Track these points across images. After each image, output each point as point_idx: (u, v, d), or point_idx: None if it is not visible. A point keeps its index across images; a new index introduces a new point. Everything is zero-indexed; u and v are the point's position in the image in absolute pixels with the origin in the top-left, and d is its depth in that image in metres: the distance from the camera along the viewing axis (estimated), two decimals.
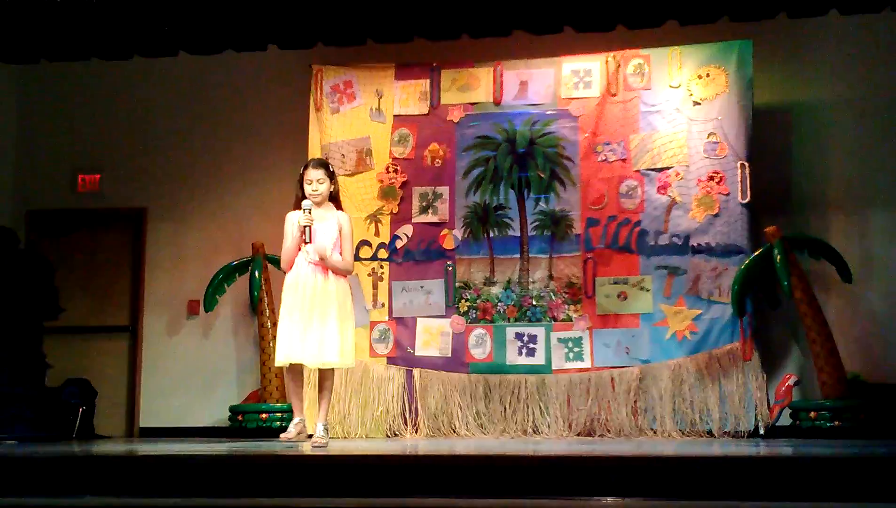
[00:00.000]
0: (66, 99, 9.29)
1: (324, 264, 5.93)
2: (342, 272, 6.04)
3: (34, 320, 8.12)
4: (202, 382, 8.69)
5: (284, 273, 6.10)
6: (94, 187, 9.16)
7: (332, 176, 6.12)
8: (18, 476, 4.27)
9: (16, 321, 7.87)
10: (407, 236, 8.03)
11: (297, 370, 6.05)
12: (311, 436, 5.99)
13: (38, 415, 7.86)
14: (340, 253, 6.04)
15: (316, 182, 6.02)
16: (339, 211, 6.17)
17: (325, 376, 6.07)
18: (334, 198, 6.17)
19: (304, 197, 5.99)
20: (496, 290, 7.88)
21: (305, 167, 6.11)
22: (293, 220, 6.01)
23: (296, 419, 6.01)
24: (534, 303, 7.82)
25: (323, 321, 5.85)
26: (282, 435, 5.98)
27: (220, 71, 8.99)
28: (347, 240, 6.12)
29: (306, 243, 5.91)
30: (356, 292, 7.90)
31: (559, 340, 7.72)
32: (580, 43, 8.17)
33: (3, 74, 9.00)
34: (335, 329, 5.86)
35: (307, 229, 5.91)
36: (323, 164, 6.21)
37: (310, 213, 5.91)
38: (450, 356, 7.81)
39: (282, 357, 5.93)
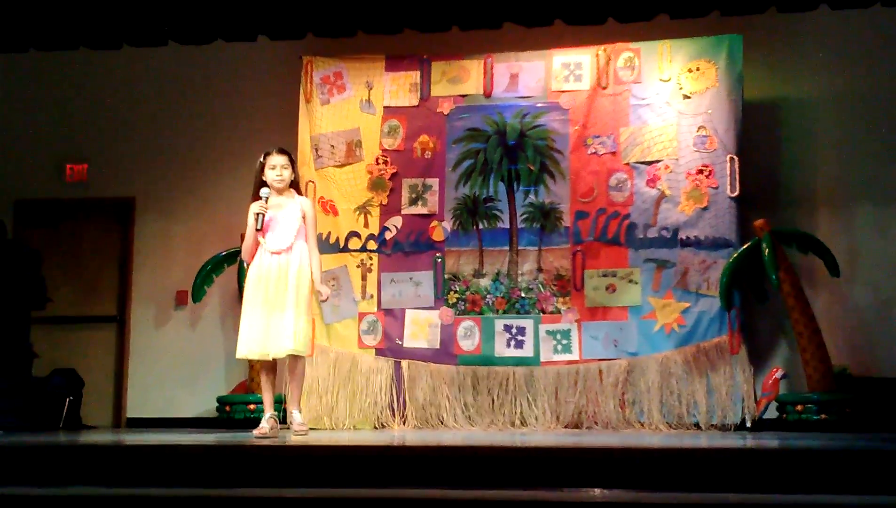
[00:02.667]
0: (54, 88, 9.24)
1: (286, 253, 5.96)
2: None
3: (21, 310, 8.07)
4: (190, 372, 8.67)
5: (246, 265, 6.16)
6: (81, 177, 9.13)
7: (293, 163, 6.20)
8: (5, 466, 4.26)
9: (2, 310, 7.83)
10: (396, 228, 8.02)
11: (268, 364, 6.05)
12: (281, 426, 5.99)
13: (25, 405, 7.82)
14: (305, 239, 6.07)
15: (280, 168, 6.06)
16: (302, 197, 6.22)
17: (293, 363, 6.05)
18: (295, 185, 6.21)
19: (263, 185, 6.03)
20: (485, 282, 7.88)
21: (267, 155, 6.14)
22: (254, 210, 6.04)
23: (267, 414, 5.98)
24: (522, 295, 7.83)
25: (281, 311, 5.87)
26: (255, 431, 5.90)
27: (210, 61, 8.97)
28: (311, 226, 6.16)
29: (258, 230, 5.94)
30: (344, 283, 7.92)
31: (547, 332, 7.73)
32: (571, 36, 8.18)
33: None
34: (291, 317, 5.87)
35: (259, 216, 5.94)
36: (285, 151, 6.24)
37: (267, 201, 5.96)
38: (438, 347, 7.81)
39: (243, 351, 5.96)
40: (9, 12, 7.77)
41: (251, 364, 8.02)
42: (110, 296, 9.01)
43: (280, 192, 6.07)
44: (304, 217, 6.10)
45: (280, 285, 5.91)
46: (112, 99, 9.14)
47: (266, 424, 5.90)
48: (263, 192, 5.98)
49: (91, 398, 8.59)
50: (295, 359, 6.03)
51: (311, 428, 6.46)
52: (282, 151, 6.17)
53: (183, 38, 8.43)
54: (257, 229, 5.95)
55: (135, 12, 7.91)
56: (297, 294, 5.92)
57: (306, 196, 6.37)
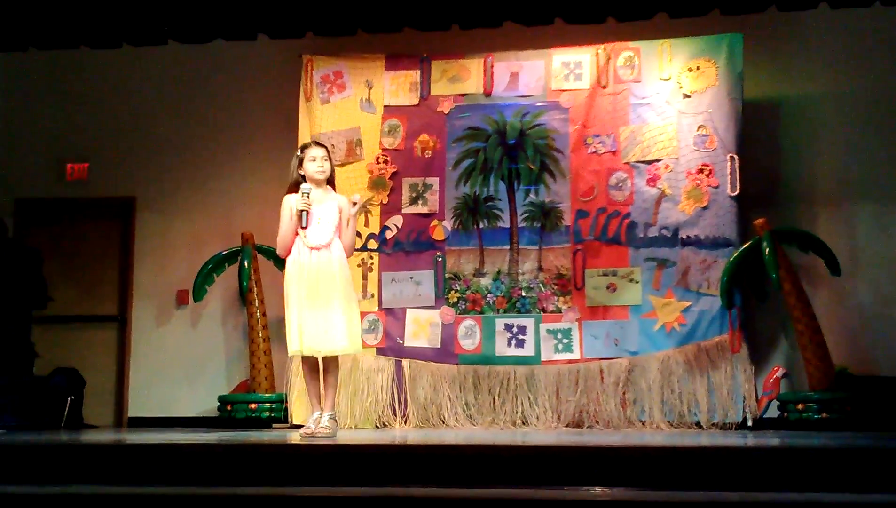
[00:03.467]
0: (54, 87, 9.24)
1: (326, 249, 5.75)
2: (348, 251, 5.91)
3: (22, 309, 8.09)
4: (191, 372, 8.68)
5: (283, 259, 5.93)
6: (82, 176, 9.12)
7: (330, 157, 6.01)
8: (6, 465, 4.27)
9: (3, 310, 7.84)
10: (397, 227, 8.03)
11: (311, 362, 5.86)
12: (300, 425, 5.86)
13: (27, 405, 7.84)
14: (340, 237, 5.87)
15: (321, 159, 5.86)
16: (339, 195, 6.02)
17: (329, 364, 5.85)
18: (331, 181, 6.02)
19: (302, 180, 5.85)
20: (486, 281, 7.89)
21: (305, 148, 5.98)
22: (291, 203, 5.82)
23: (314, 415, 5.78)
24: (523, 294, 7.83)
25: (328, 307, 5.68)
26: (302, 430, 5.73)
27: (210, 60, 8.97)
28: (351, 221, 5.90)
29: (303, 228, 5.75)
30: None
31: (548, 331, 7.74)
32: (571, 35, 8.18)
33: None
34: (341, 314, 5.69)
35: (303, 213, 5.73)
36: (323, 144, 6.14)
37: (308, 197, 5.76)
38: (439, 346, 7.81)
39: (296, 346, 5.72)
40: (9, 11, 7.77)
41: (252, 363, 8.03)
42: (111, 295, 9.02)
43: (318, 185, 5.87)
44: (340, 213, 5.87)
45: (325, 282, 5.70)
46: (112, 98, 9.14)
47: (313, 424, 5.71)
48: (305, 187, 5.77)
49: (92, 397, 8.59)
50: (330, 360, 5.83)
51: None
52: (320, 145, 6.06)
53: (183, 37, 8.44)
54: (302, 227, 5.75)
55: (135, 11, 7.91)
56: (344, 291, 5.75)
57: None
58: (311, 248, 5.78)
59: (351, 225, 5.91)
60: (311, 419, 5.78)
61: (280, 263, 6.36)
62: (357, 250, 7.95)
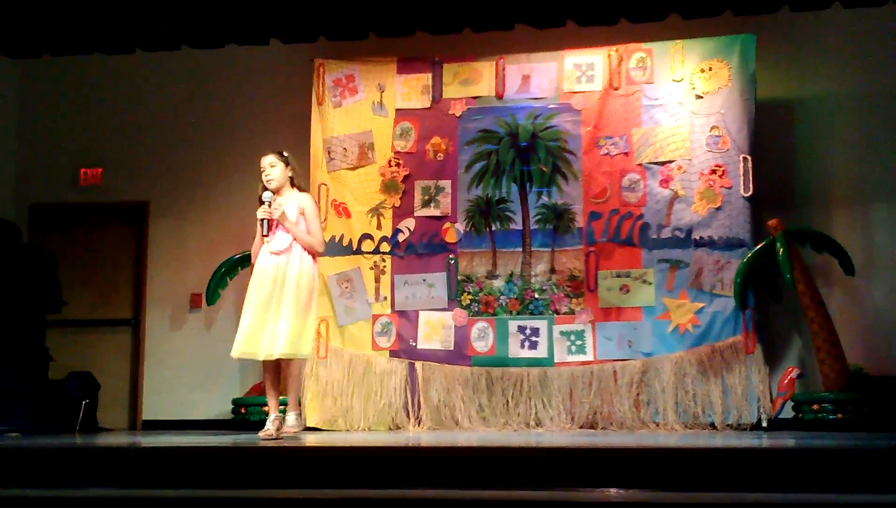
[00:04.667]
0: (68, 93, 9.30)
1: (286, 254, 5.88)
2: (310, 249, 5.99)
3: (37, 314, 8.12)
4: (205, 375, 8.69)
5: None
6: (95, 181, 9.17)
7: (286, 161, 6.09)
8: (22, 469, 4.29)
9: (18, 315, 7.87)
10: (409, 230, 8.04)
11: (270, 366, 5.98)
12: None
13: (42, 409, 7.86)
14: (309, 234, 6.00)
15: (268, 167, 6.02)
16: (301, 193, 6.13)
17: (287, 365, 5.99)
18: (296, 183, 6.14)
19: (264, 190, 5.98)
20: (498, 283, 7.89)
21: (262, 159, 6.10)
22: (259, 216, 5.97)
23: (272, 416, 5.89)
24: (536, 296, 7.83)
25: (277, 312, 5.79)
26: (260, 433, 5.78)
27: (223, 65, 9.00)
28: (313, 219, 6.05)
29: (264, 236, 5.89)
30: (358, 286, 7.94)
31: (561, 333, 7.73)
32: (582, 37, 8.18)
33: (4, 68, 9.00)
34: (286, 319, 5.77)
35: (264, 221, 5.87)
36: (276, 151, 6.15)
37: (269, 206, 5.89)
38: (452, 349, 7.82)
39: (237, 350, 5.84)
40: (22, 18, 7.81)
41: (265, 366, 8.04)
42: (125, 299, 9.05)
43: (278, 192, 6.01)
44: (302, 213, 6.02)
45: (278, 286, 5.84)
46: (125, 103, 9.18)
47: (271, 426, 5.80)
48: (266, 196, 5.93)
49: (107, 400, 8.63)
50: (288, 361, 5.96)
51: (328, 430, 6.42)
52: (271, 152, 6.11)
53: (196, 42, 8.47)
54: (264, 236, 5.91)
55: (147, 17, 7.94)
56: (295, 296, 5.83)
57: (308, 192, 6.24)
58: (272, 253, 5.93)
59: (301, 224, 6.00)
60: (270, 420, 5.86)
61: None
62: (369, 252, 7.98)
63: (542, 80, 8.09)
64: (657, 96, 7.92)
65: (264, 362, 5.95)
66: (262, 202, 5.98)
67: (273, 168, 6.02)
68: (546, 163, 7.96)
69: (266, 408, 7.77)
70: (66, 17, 7.82)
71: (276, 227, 5.94)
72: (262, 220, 5.90)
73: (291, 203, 6.03)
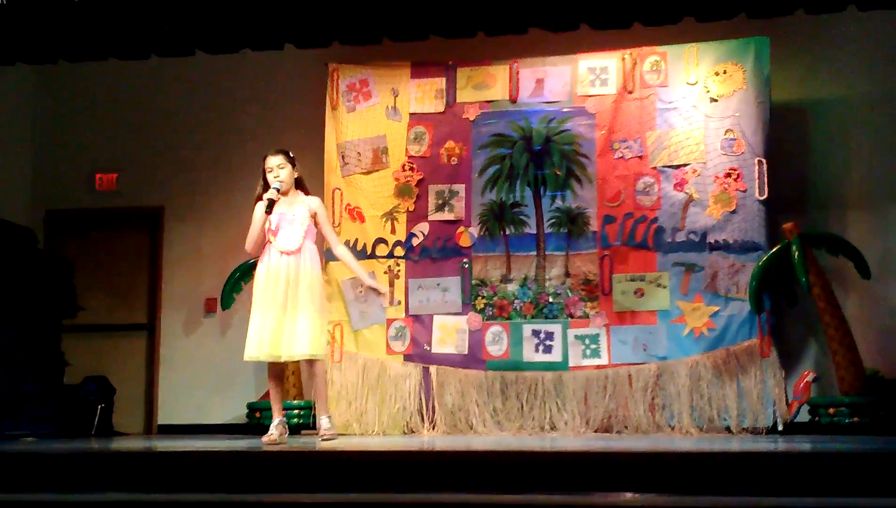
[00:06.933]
0: (83, 99, 9.35)
1: (296, 254, 5.84)
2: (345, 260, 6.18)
3: (53, 318, 8.18)
4: (220, 379, 8.71)
5: (248, 253, 6.11)
6: (111, 187, 9.22)
7: (293, 162, 6.03)
8: (38, 473, 4.31)
9: (35, 320, 7.92)
10: (423, 234, 8.04)
11: (275, 370, 5.94)
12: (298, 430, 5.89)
13: (58, 413, 7.91)
14: (314, 241, 5.99)
15: (277, 168, 5.94)
16: (310, 197, 6.10)
17: (311, 368, 5.98)
18: (301, 185, 6.11)
19: (266, 190, 5.91)
20: (513, 287, 7.88)
21: (264, 159, 6.02)
22: (261, 210, 5.89)
23: (276, 420, 5.86)
24: (550, 300, 7.82)
25: (294, 313, 5.75)
26: (263, 438, 5.75)
27: (237, 70, 9.02)
28: (325, 224, 6.08)
29: (266, 212, 5.79)
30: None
31: (576, 337, 7.72)
32: (597, 40, 8.14)
33: (21, 74, 9.04)
34: (305, 320, 5.75)
35: (271, 201, 5.79)
36: (281, 150, 6.07)
37: (277, 194, 5.85)
38: (466, 353, 7.82)
39: (252, 352, 5.79)
40: (38, 24, 7.85)
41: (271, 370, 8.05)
42: (140, 304, 9.09)
43: (284, 193, 5.96)
44: (313, 217, 6.01)
45: (292, 287, 5.79)
46: (141, 108, 9.23)
47: (275, 430, 5.78)
48: (271, 193, 5.84)
49: (122, 405, 8.66)
50: (311, 363, 5.94)
51: (340, 434, 6.43)
52: (277, 152, 6.03)
53: (210, 47, 8.48)
54: (266, 212, 5.79)
55: (163, 22, 7.96)
56: (310, 296, 5.81)
57: (314, 195, 6.20)
58: (282, 252, 5.87)
59: (328, 234, 6.15)
60: (273, 425, 5.83)
61: None
62: (384, 257, 7.99)
63: (556, 83, 8.09)
64: (671, 99, 7.91)
65: (270, 366, 5.92)
66: (259, 199, 5.91)
67: (282, 169, 5.95)
68: (560, 167, 7.95)
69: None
70: (81, 23, 7.84)
71: (279, 223, 5.89)
72: (271, 200, 5.80)
73: (300, 206, 6.01)
